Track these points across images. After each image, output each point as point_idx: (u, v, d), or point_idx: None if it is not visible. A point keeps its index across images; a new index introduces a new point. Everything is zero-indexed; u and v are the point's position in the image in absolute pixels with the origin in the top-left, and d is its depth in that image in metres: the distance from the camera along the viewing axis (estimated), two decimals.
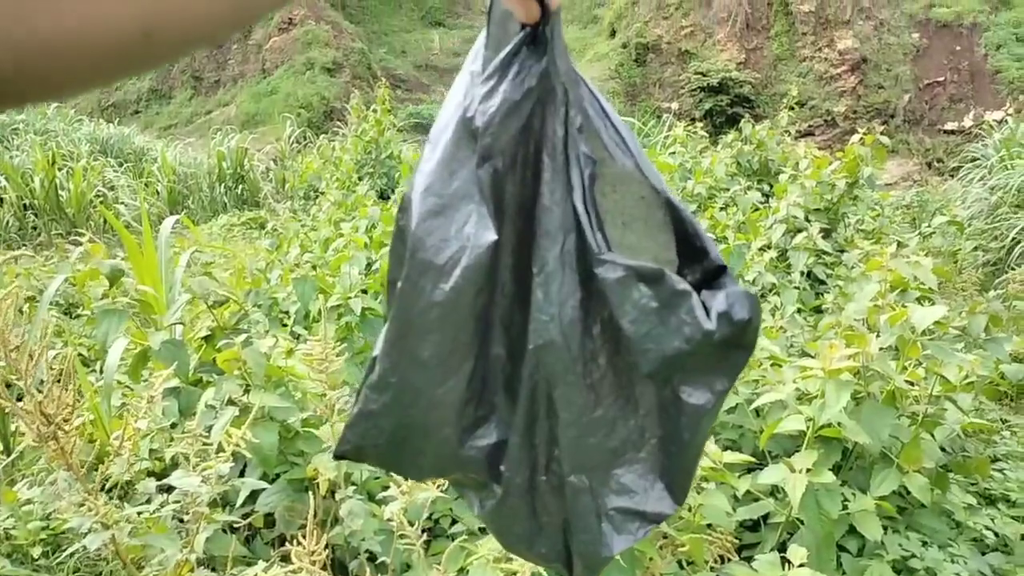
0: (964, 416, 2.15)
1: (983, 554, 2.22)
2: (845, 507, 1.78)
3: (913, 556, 1.90)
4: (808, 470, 1.62)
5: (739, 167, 6.38)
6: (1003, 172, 7.09)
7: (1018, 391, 3.76)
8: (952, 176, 13.74)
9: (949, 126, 18.18)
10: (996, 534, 2.29)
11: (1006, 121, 11.90)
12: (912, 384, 2.11)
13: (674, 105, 21.61)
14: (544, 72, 0.55)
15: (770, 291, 3.81)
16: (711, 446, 1.86)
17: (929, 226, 4.77)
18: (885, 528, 1.98)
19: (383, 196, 5.73)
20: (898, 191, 13.45)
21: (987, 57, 17.93)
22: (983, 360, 2.64)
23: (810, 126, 19.79)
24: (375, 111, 6.51)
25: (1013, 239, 5.81)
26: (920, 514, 2.08)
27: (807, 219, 4.34)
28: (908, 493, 1.90)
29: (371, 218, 3.26)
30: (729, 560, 1.77)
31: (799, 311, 3.49)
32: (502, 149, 0.55)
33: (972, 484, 2.61)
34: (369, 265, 2.95)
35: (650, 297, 0.58)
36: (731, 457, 1.87)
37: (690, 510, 1.66)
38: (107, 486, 1.95)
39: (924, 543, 2.02)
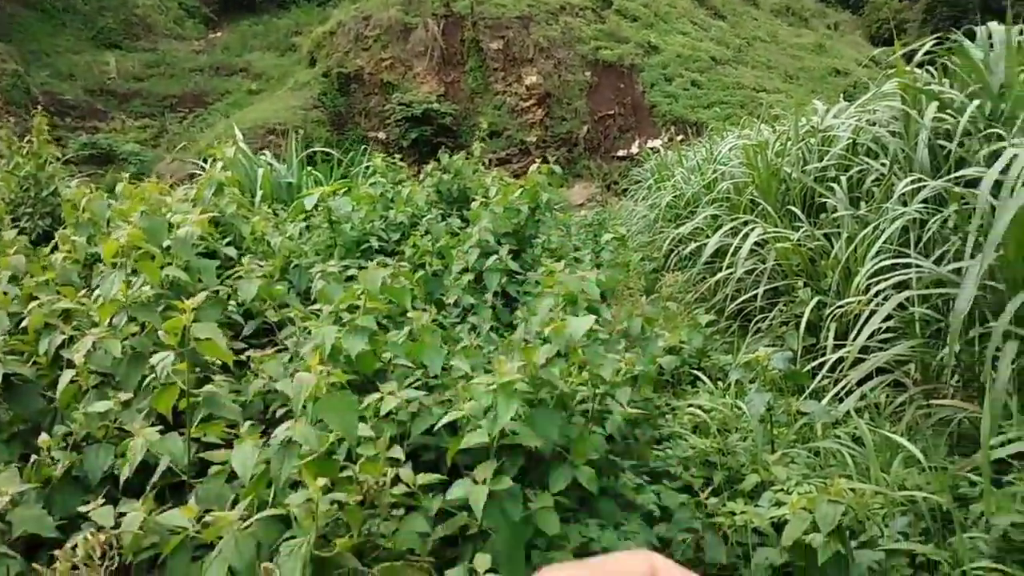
0: (623, 408, 2.45)
1: (651, 527, 2.55)
2: (528, 507, 1.93)
3: (592, 540, 2.12)
4: (490, 479, 1.73)
5: (440, 195, 6.67)
6: (657, 193, 8.32)
7: (677, 379, 4.41)
8: (625, 196, 15.80)
9: (620, 153, 20.92)
10: (661, 507, 2.65)
11: (660, 149, 13.97)
12: (582, 385, 2.37)
13: (381, 134, 22.02)
14: None
15: (469, 311, 4.01)
16: (406, 471, 1.91)
17: (601, 242, 5.40)
18: (568, 520, 2.18)
19: (46, 237, 5.01)
20: (585, 210, 15.13)
21: (644, 94, 20.97)
22: (640, 356, 3.05)
23: (507, 154, 21.44)
24: (31, 142, 5.69)
25: (668, 249, 6.83)
26: (598, 501, 2.33)
27: (498, 242, 4.66)
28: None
29: (15, 268, 2.80)
30: None
31: (494, 328, 3.72)
32: None
33: (643, 466, 2.99)
34: (17, 324, 2.54)
35: None
36: (424, 478, 1.92)
37: (384, 537, 1.68)
38: None
39: (602, 526, 2.26)
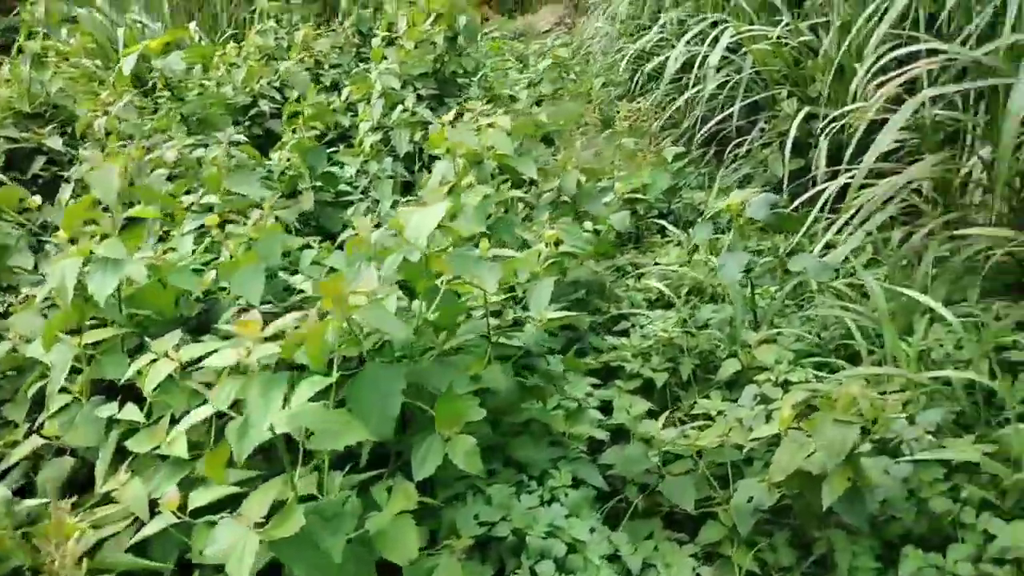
0: (542, 316, 1.74)
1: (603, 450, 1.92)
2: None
3: (493, 525, 1.48)
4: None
5: (364, 37, 5.63)
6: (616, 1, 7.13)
7: (642, 229, 3.66)
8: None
9: None
10: (615, 427, 2.01)
11: None
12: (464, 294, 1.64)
13: None
14: None
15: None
16: None
17: (539, 70, 4.43)
18: (456, 497, 1.53)
19: None
20: (551, 37, 13.67)
21: None
22: (573, 225, 2.30)
23: None
24: None
25: (632, 69, 5.83)
26: (513, 447, 1.67)
27: (414, 87, 3.77)
28: None
29: None
30: None
31: (397, 204, 2.95)
32: None
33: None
34: None
35: None
36: None
37: None
38: None
39: (519, 486, 1.62)
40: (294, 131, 3.35)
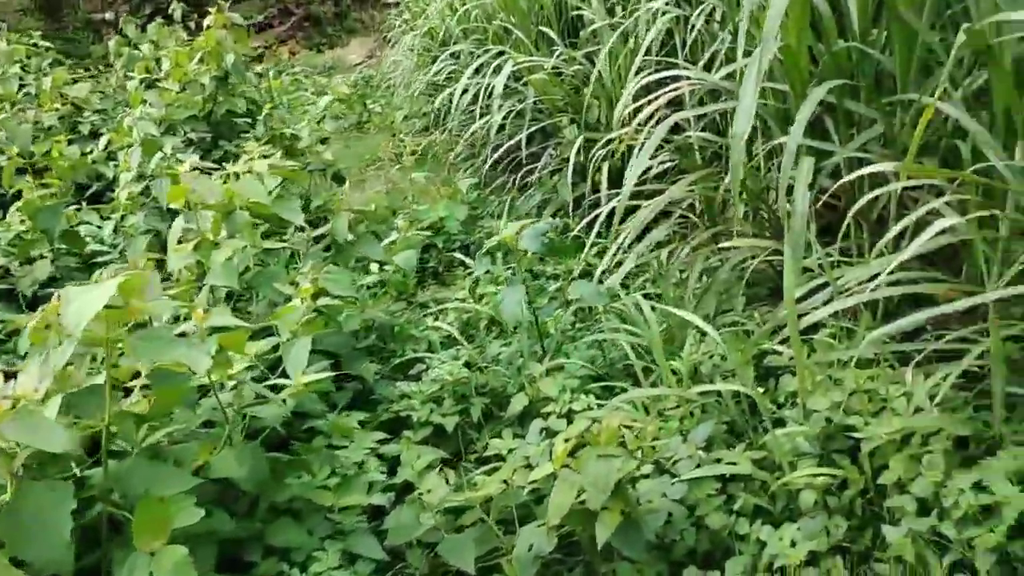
0: (297, 385, 1.59)
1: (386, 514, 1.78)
2: None
3: None
4: None
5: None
6: (411, 33, 7.09)
7: (445, 264, 3.59)
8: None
9: None
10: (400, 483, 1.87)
11: None
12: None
13: (108, 15, 18.37)
14: None
15: None
16: None
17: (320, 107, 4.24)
18: None
19: None
20: (361, 70, 13.45)
21: None
22: (342, 271, 2.17)
23: (267, 18, 18.69)
24: None
25: (431, 100, 5.79)
26: (274, 532, 1.49)
27: (185, 132, 3.47)
28: None
29: None
30: None
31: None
32: None
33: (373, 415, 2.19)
34: None
35: None
36: None
37: None
38: None
39: None
40: (45, 185, 2.97)
